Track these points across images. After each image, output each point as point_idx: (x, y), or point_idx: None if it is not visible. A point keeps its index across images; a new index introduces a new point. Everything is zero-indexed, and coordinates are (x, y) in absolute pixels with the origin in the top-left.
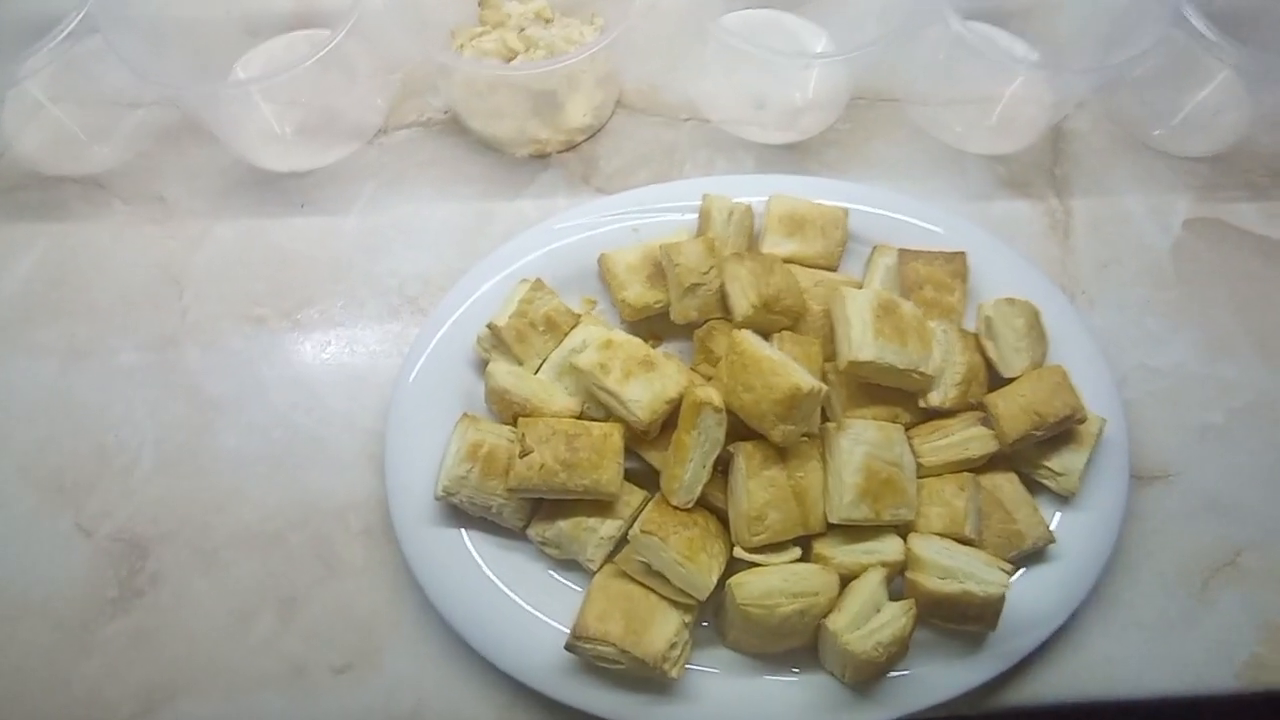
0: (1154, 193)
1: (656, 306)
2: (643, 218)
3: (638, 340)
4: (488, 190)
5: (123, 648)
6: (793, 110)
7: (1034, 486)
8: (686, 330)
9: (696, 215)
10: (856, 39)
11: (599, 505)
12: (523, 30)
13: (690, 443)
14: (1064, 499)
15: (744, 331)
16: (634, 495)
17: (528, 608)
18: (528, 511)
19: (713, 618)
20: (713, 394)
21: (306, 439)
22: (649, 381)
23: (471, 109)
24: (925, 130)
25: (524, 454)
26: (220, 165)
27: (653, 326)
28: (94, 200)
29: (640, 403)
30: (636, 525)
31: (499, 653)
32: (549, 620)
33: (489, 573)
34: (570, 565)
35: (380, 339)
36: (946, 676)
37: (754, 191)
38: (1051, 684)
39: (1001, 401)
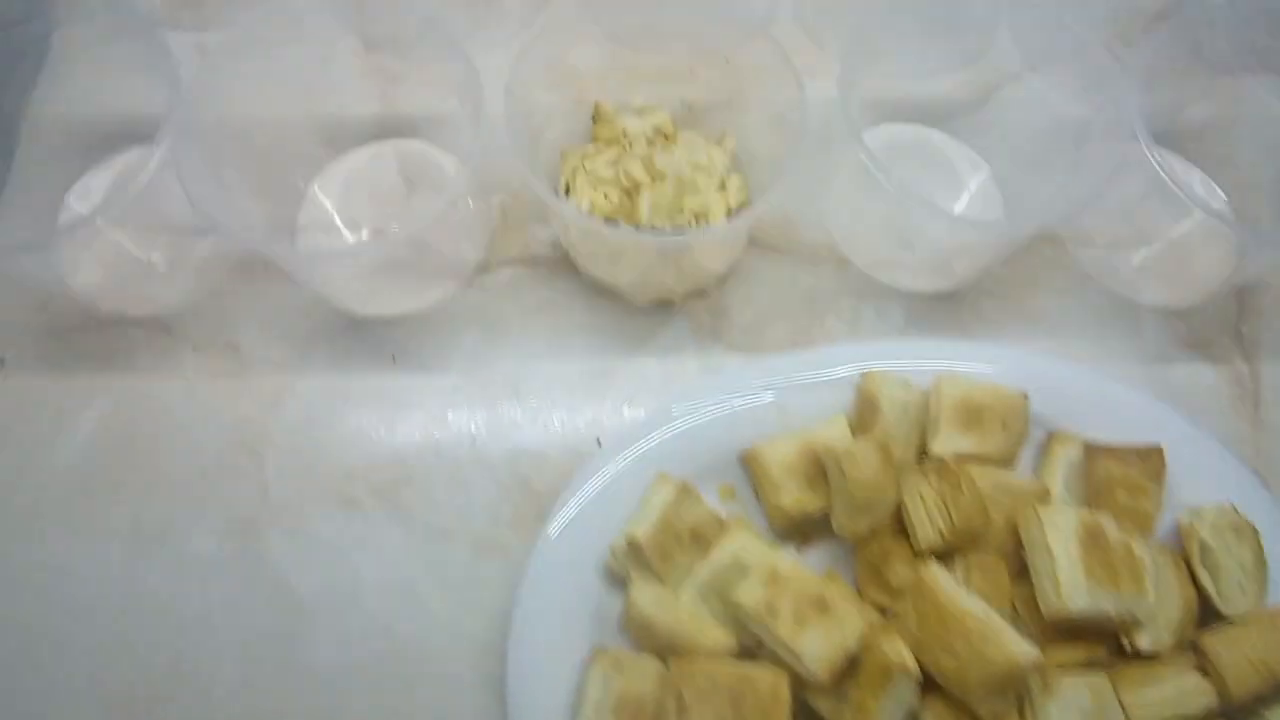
0: None
1: (814, 513)
2: (787, 393)
3: (808, 574)
4: (605, 344)
5: None
6: (944, 254)
7: None
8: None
9: (850, 388)
10: (1017, 164)
11: None
12: (649, 153)
13: (877, 709)
14: None
15: (934, 570)
16: None
17: None
18: None
19: None
20: (907, 657)
21: (412, 653)
22: (826, 630)
23: (586, 252)
24: (1093, 277)
25: (682, 709)
26: (299, 306)
27: (803, 528)
28: (160, 347)
29: (818, 658)
30: None
31: None
32: None
33: None
34: None
35: (489, 527)
36: None
37: (911, 358)
38: None
39: (1224, 650)
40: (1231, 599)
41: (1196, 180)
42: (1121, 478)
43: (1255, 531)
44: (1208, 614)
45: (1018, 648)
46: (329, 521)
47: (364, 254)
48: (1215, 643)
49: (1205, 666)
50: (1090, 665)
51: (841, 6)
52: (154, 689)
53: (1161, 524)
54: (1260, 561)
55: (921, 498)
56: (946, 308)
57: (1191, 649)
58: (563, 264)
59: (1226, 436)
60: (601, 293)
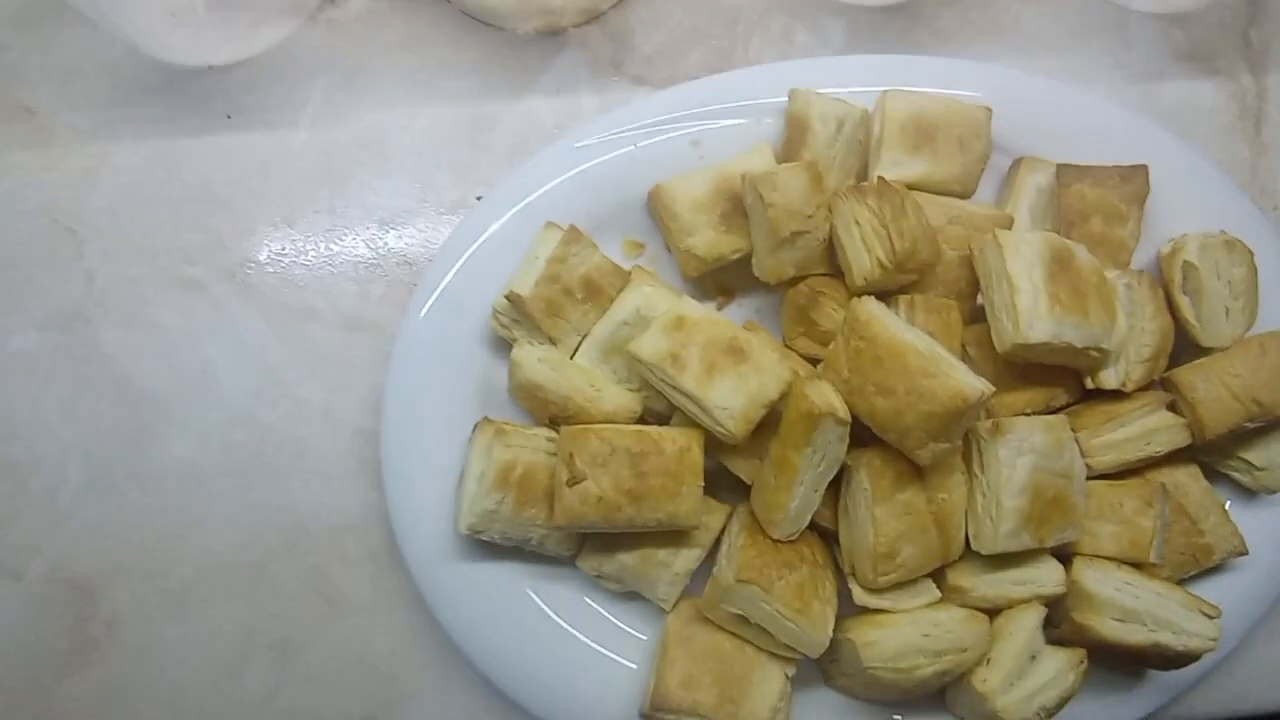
0: None
1: (733, 257)
2: (703, 123)
3: (718, 317)
4: (484, 85)
5: (88, 709)
6: None
7: (1213, 477)
8: (765, 284)
9: (780, 118)
10: None
11: (672, 533)
12: None
13: (801, 463)
14: (1250, 493)
15: (870, 303)
16: (713, 514)
17: (595, 647)
18: (577, 539)
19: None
20: (834, 399)
21: (278, 442)
22: (740, 378)
23: None
24: None
25: (573, 481)
26: (105, 59)
27: (722, 279)
28: None
29: (731, 410)
30: (728, 569)
31: (551, 710)
32: (619, 660)
33: (546, 609)
34: (630, 598)
35: (358, 303)
36: (1099, 715)
37: (853, 80)
38: (1213, 699)
39: (1201, 382)
40: (1214, 326)
41: None
42: (1097, 202)
43: (1250, 252)
44: (1183, 350)
45: (965, 380)
46: (169, 307)
47: None
48: (1190, 374)
49: (1177, 404)
50: (1048, 412)
51: None
52: None
53: (1142, 258)
54: (1252, 282)
55: (857, 223)
56: (896, 23)
57: (1162, 386)
58: None
59: (1224, 159)
60: (476, 23)
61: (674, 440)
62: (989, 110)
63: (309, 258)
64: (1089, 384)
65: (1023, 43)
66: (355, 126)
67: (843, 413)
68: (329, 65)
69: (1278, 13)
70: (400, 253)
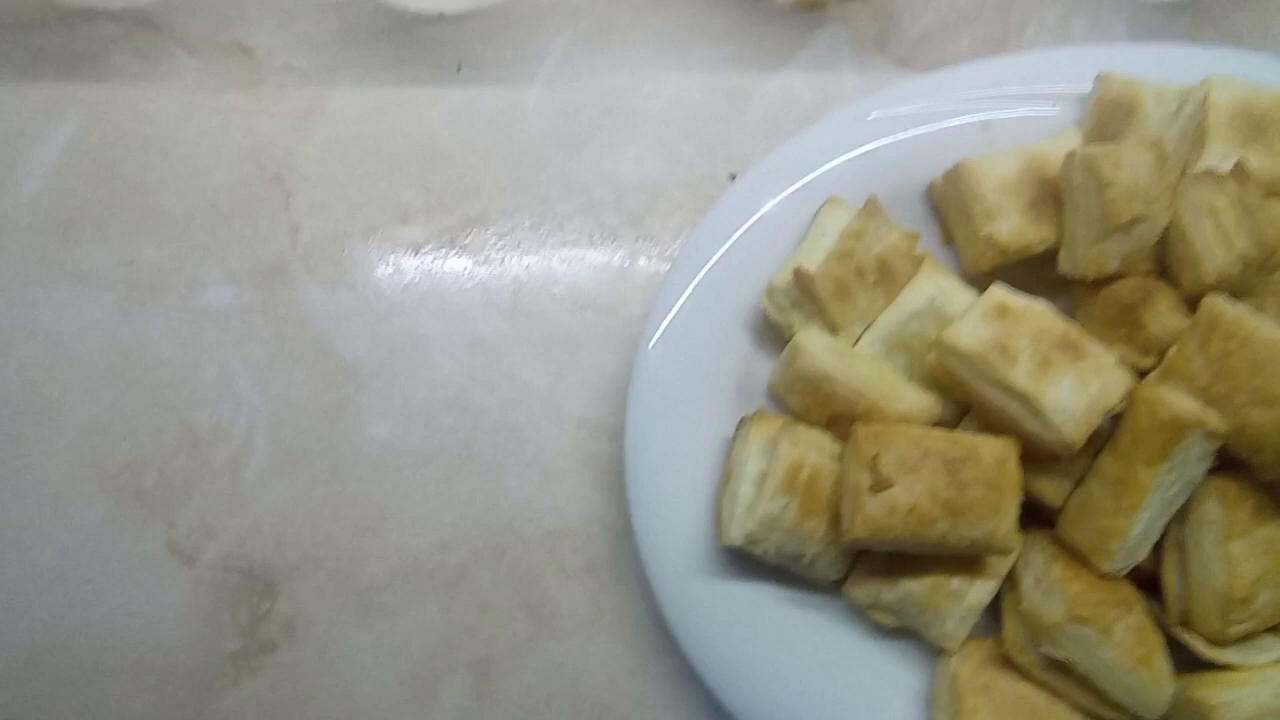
0: None
1: (1039, 249)
2: (994, 108)
3: (1045, 308)
4: (738, 55)
5: None
6: None
7: None
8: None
9: (1077, 107)
10: None
11: (966, 559)
12: None
13: (1152, 483)
14: None
15: (1229, 303)
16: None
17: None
18: (849, 560)
19: None
20: (1205, 409)
21: (492, 430)
22: (1080, 378)
23: None
24: None
25: (879, 487)
26: (331, 1)
27: (1008, 280)
28: (145, 49)
29: (1070, 415)
30: (1053, 605)
31: None
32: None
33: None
34: (895, 635)
35: (589, 279)
36: None
37: (1155, 70)
38: None
39: None
40: None
41: None
42: None
43: None
44: None
45: None
46: (380, 269)
47: None
48: None
49: None
50: None
51: None
52: (167, 472)
53: None
54: None
55: (1214, 212)
56: (1182, 20)
57: None
58: None
59: None
60: None
61: (992, 449)
62: None
63: (538, 226)
64: None
65: None
66: (596, 88)
67: (1216, 424)
68: (571, 20)
69: None
70: (640, 227)
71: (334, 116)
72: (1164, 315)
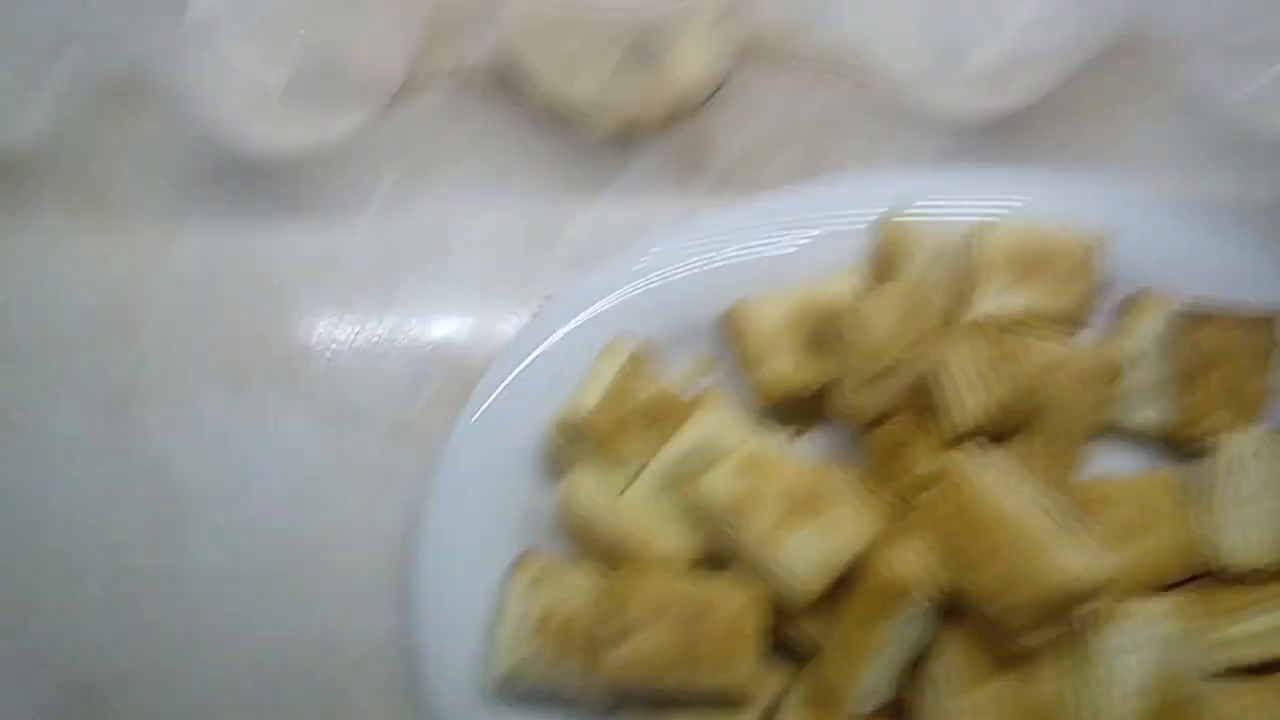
0: None
1: (812, 388)
2: (787, 239)
3: (796, 461)
4: (554, 186)
5: None
6: (1004, 64)
7: None
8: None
9: (870, 237)
10: None
11: (724, 698)
12: None
13: (876, 640)
14: None
15: (967, 458)
16: (771, 678)
17: None
18: (614, 696)
19: None
20: (921, 572)
21: (308, 553)
22: (817, 534)
23: (532, 57)
24: (1205, 95)
25: (620, 636)
26: (180, 144)
27: (800, 406)
28: (11, 193)
29: (801, 573)
30: None
31: None
32: None
33: None
34: None
35: (405, 408)
36: None
37: (952, 196)
38: None
39: None
40: None
41: None
42: (1223, 350)
43: None
44: None
45: (1076, 562)
46: (216, 399)
47: (254, 65)
48: None
49: None
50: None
51: None
52: (9, 595)
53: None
54: None
55: (958, 365)
56: (1003, 135)
57: None
58: (506, 81)
59: None
60: (553, 120)
61: (733, 599)
62: (1101, 238)
63: (360, 357)
64: (1213, 565)
65: (1145, 164)
66: (419, 223)
67: (931, 589)
68: (397, 159)
69: None
70: (454, 358)
71: (181, 254)
72: (923, 460)
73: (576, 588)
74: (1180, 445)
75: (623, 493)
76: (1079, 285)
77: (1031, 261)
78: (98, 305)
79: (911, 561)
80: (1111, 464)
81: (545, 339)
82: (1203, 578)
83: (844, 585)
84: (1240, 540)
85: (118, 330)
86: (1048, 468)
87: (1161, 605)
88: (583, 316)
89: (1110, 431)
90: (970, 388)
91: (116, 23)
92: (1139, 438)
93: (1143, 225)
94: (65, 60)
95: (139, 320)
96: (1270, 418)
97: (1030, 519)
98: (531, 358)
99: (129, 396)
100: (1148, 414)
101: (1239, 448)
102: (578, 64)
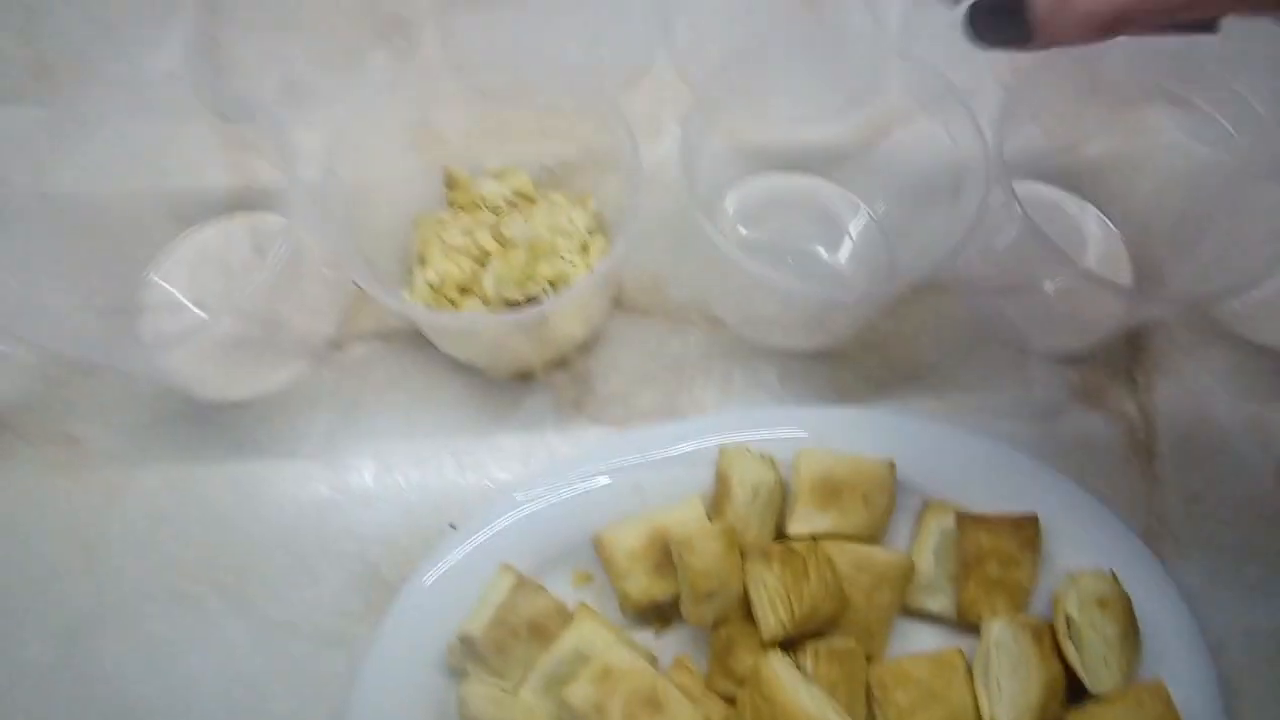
0: (1246, 395)
1: (663, 599)
2: (646, 471)
3: (644, 669)
4: (461, 421)
5: None
6: (819, 311)
7: None
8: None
9: (710, 463)
10: (902, 210)
11: None
12: (498, 220)
13: None
14: None
15: (773, 662)
16: None
17: None
18: None
19: None
20: None
21: None
22: None
23: (436, 331)
24: (982, 326)
25: None
26: (143, 394)
27: (661, 609)
28: None
29: None
30: None
31: None
32: None
33: None
34: None
35: (337, 619)
36: None
37: (775, 427)
38: None
39: None
40: (1097, 674)
41: (1092, 219)
42: (992, 549)
43: (1126, 602)
44: (1076, 691)
45: None
46: (166, 619)
47: (193, 335)
48: None
49: None
50: None
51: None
52: None
53: (1042, 592)
54: (1128, 635)
55: (765, 586)
56: (824, 367)
57: None
58: (420, 337)
59: (1120, 493)
60: (460, 367)
61: None
62: (892, 465)
63: (296, 575)
64: None
65: (937, 385)
66: (349, 457)
67: None
68: (331, 401)
69: (1156, 354)
70: (379, 574)
71: (140, 491)
72: (744, 660)
73: None
74: (966, 625)
75: (516, 692)
76: (874, 506)
77: (833, 489)
78: (65, 539)
79: None
80: (919, 640)
81: (446, 562)
82: None
83: None
84: (1002, 712)
85: (81, 561)
86: (843, 667)
87: None
88: (470, 546)
89: (913, 615)
90: (772, 604)
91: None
92: (936, 620)
93: (925, 448)
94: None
95: (100, 550)
96: (1032, 600)
97: (820, 713)
98: (434, 579)
99: (90, 622)
100: (939, 600)
101: (996, 633)
102: (473, 339)
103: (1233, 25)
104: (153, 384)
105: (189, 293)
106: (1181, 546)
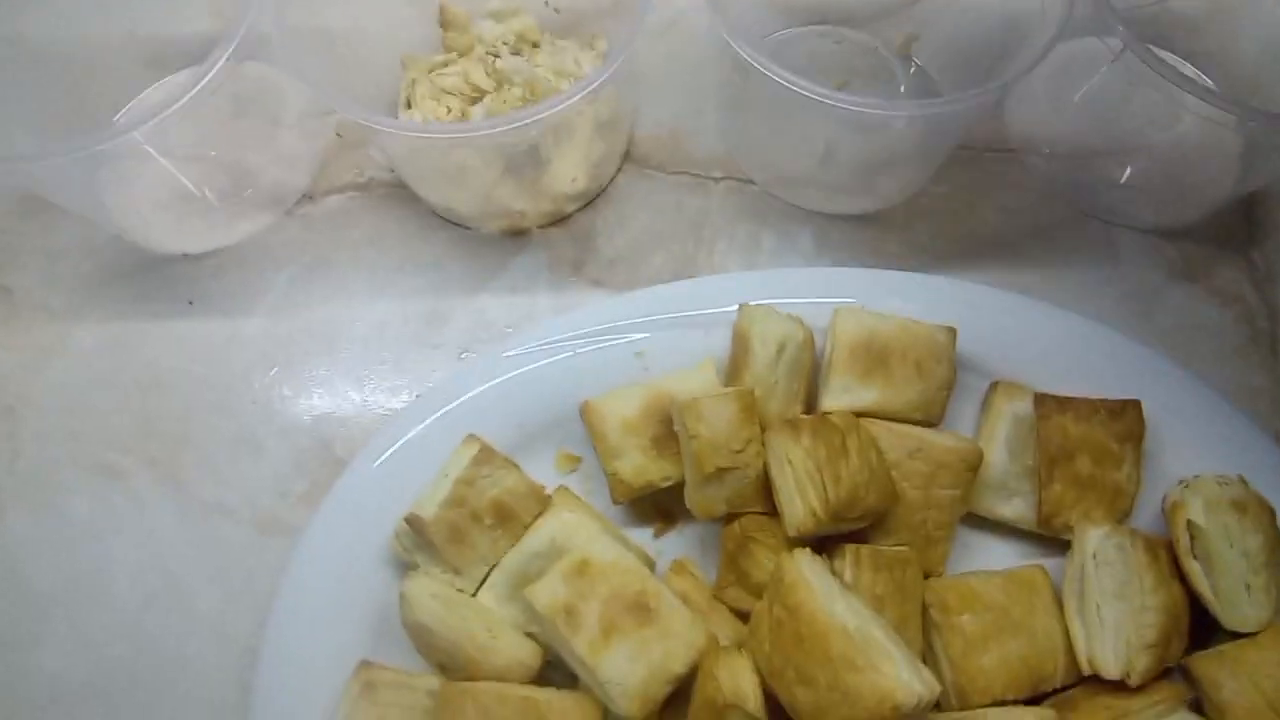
0: None
1: (663, 484)
2: (651, 334)
3: (630, 564)
4: (441, 281)
5: None
6: (869, 166)
7: None
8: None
9: (731, 331)
10: (955, 60)
11: None
12: (495, 60)
13: None
14: None
15: (799, 561)
16: None
17: None
18: None
19: None
20: (746, 686)
21: (158, 660)
22: (642, 645)
23: (419, 173)
24: (1057, 194)
25: None
26: (90, 245)
27: (661, 502)
28: None
29: (625, 687)
30: None
31: None
32: None
33: None
34: None
35: (278, 502)
36: None
37: (811, 292)
38: None
39: (1228, 680)
40: (1234, 605)
41: (1190, 76)
42: (1083, 440)
43: (1271, 511)
44: (1205, 625)
45: (898, 680)
46: (86, 495)
47: (168, 177)
48: (1214, 667)
49: (1201, 699)
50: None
51: None
52: None
53: (1146, 504)
54: (1274, 551)
55: (791, 463)
56: (869, 232)
57: (1181, 674)
58: (401, 189)
59: (1236, 389)
60: (443, 221)
61: (567, 711)
62: (953, 331)
63: (237, 449)
64: (1085, 669)
65: (1004, 257)
66: (309, 318)
67: (754, 705)
68: (295, 257)
69: (1277, 226)
70: (330, 452)
71: (73, 350)
72: (764, 563)
73: (407, 701)
74: (1049, 536)
75: (475, 594)
76: (929, 379)
77: (878, 356)
78: None
79: (739, 676)
80: (989, 554)
81: (402, 436)
82: (1089, 680)
83: (680, 695)
84: (1104, 646)
85: None
86: (893, 576)
87: (1016, 717)
88: (437, 412)
89: (981, 521)
90: (801, 487)
91: (29, 150)
92: (1012, 528)
93: (994, 320)
94: None
95: (21, 414)
96: (1134, 510)
97: (857, 631)
98: (385, 455)
99: None
100: (1014, 504)
101: (1095, 544)
102: (459, 180)
103: None
104: (103, 232)
105: (153, 140)
106: None
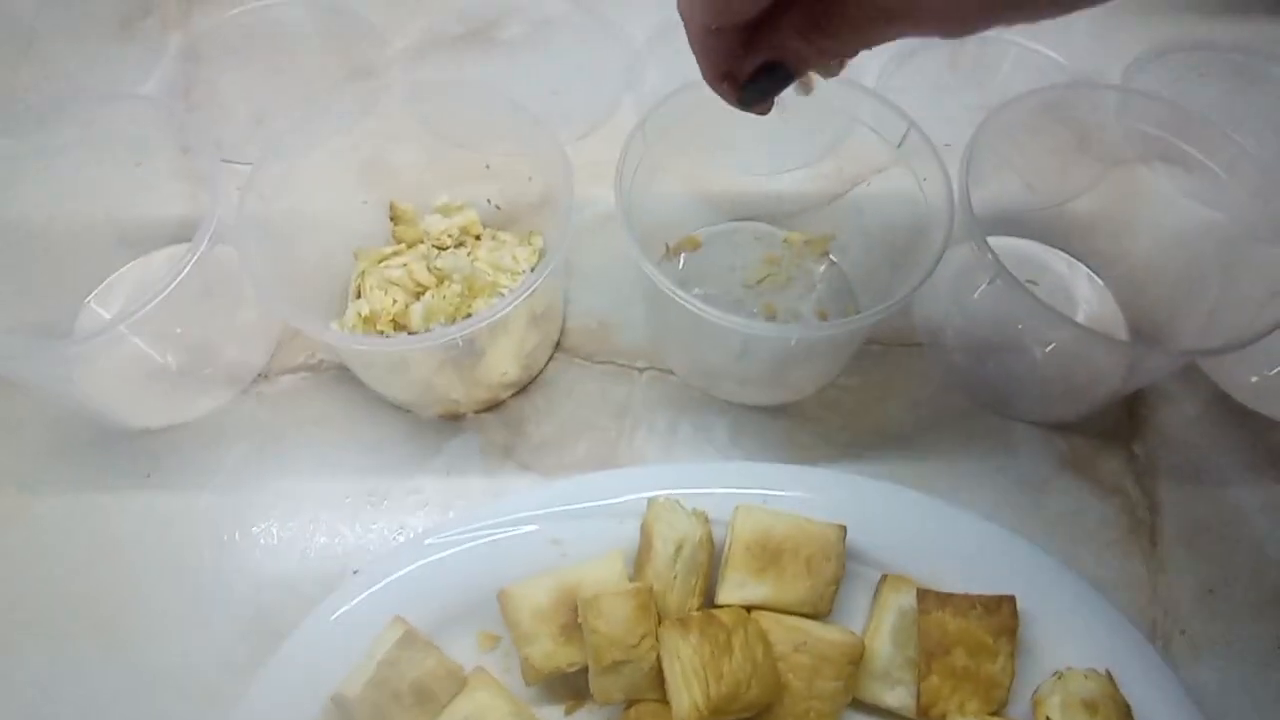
0: (1265, 476)
1: (570, 669)
2: (567, 523)
3: None
4: (382, 461)
5: None
6: (783, 363)
7: None
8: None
9: (638, 520)
10: (867, 260)
11: None
12: (438, 255)
13: None
14: None
15: None
16: None
17: None
18: None
19: None
20: None
21: None
22: None
23: (362, 363)
24: (959, 387)
25: None
26: (52, 417)
27: (572, 681)
28: None
29: None
30: None
31: None
32: None
33: None
34: None
35: (218, 673)
36: None
37: (719, 483)
38: None
39: None
40: None
41: (1083, 278)
42: (961, 634)
43: (1123, 709)
44: None
45: None
46: (39, 659)
47: (104, 353)
48: None
49: None
50: None
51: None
52: None
53: (1027, 693)
54: None
55: (679, 658)
56: (781, 423)
57: None
58: (349, 373)
59: (1117, 577)
60: (389, 406)
61: None
62: (842, 529)
63: (183, 619)
64: None
65: (909, 449)
66: (257, 492)
67: None
68: (248, 434)
69: (1161, 426)
70: (269, 624)
71: (32, 519)
72: None
73: None
74: None
75: None
76: (818, 575)
77: (771, 553)
78: None
79: None
80: None
81: (334, 613)
82: None
83: None
84: None
85: None
86: None
87: None
88: (363, 594)
89: (864, 709)
90: (687, 682)
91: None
92: (892, 717)
93: (885, 515)
94: None
95: None
96: (1012, 700)
97: None
98: (320, 632)
99: None
100: (896, 692)
101: None
102: (400, 369)
103: (1233, 81)
104: (67, 406)
105: (133, 326)
106: (1194, 645)
